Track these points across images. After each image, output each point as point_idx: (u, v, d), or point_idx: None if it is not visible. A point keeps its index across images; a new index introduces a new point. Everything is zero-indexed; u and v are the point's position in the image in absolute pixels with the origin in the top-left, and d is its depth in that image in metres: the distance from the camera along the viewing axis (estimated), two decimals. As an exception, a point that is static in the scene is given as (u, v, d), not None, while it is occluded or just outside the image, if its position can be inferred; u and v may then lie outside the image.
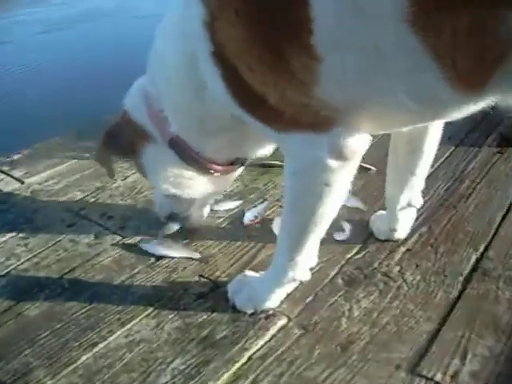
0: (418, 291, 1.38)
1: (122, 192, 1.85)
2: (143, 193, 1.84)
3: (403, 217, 1.49)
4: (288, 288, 1.30)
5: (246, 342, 1.24)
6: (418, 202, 1.45)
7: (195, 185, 1.38)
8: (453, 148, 2.06)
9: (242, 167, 1.45)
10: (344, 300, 1.36)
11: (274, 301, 1.31)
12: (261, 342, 1.24)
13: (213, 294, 1.39)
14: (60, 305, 1.37)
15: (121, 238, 1.61)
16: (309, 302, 1.35)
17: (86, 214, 1.73)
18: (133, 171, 1.91)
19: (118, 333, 1.28)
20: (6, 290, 1.43)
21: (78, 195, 1.83)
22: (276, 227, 1.58)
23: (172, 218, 1.52)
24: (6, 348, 1.25)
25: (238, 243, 1.57)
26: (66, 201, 1.80)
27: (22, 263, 1.53)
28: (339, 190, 1.08)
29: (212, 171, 1.33)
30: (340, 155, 1.02)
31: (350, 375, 1.16)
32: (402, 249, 1.53)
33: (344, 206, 1.22)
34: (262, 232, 1.61)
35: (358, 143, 1.03)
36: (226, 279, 1.43)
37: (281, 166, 1.75)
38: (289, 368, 1.18)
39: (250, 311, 1.32)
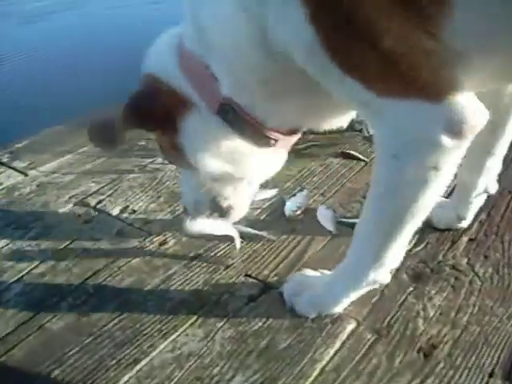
0: (493, 285, 1.21)
1: (142, 183, 1.63)
2: (165, 183, 1.62)
3: (475, 204, 1.30)
4: (362, 292, 1.09)
5: (314, 352, 1.06)
6: (494, 187, 1.27)
7: (247, 161, 1.05)
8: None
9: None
10: (415, 298, 1.18)
11: (343, 305, 1.12)
12: (331, 351, 1.06)
13: (265, 297, 1.19)
14: (87, 315, 1.16)
15: (147, 234, 1.39)
16: (375, 301, 1.17)
17: (105, 209, 1.51)
18: (150, 160, 1.70)
19: (162, 346, 1.09)
20: (22, 298, 1.21)
21: (93, 187, 1.61)
22: (322, 218, 1.39)
23: (213, 207, 1.18)
24: (30, 368, 1.04)
25: (283, 237, 1.37)
26: (79, 194, 1.57)
27: (35, 266, 1.30)
28: (448, 175, 0.86)
29: (273, 141, 1.02)
30: (457, 131, 0.79)
31: (440, 386, 0.97)
32: (465, 238, 1.35)
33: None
34: (307, 224, 1.42)
35: (479, 116, 0.81)
36: (276, 279, 1.24)
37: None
38: (370, 381, 0.99)
39: (312, 316, 1.12)
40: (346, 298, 1.10)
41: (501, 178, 1.48)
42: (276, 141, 1.02)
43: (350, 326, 1.11)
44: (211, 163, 1.04)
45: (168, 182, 1.62)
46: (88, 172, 1.70)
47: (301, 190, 1.54)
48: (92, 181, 1.65)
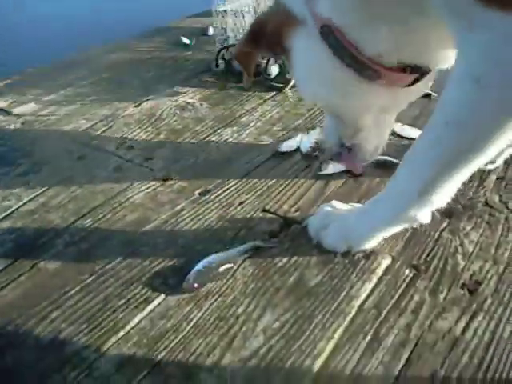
0: (530, 222, 1.06)
1: (139, 119, 1.44)
2: (165, 120, 1.44)
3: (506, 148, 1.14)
4: (398, 229, 0.93)
5: (350, 288, 0.90)
6: None
7: (353, 92, 0.86)
8: None
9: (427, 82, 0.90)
10: (450, 234, 1.03)
11: (376, 240, 0.96)
12: (369, 287, 0.90)
13: (286, 232, 1.02)
14: (87, 253, 0.98)
15: (149, 170, 1.21)
16: (409, 237, 1.01)
17: (100, 145, 1.31)
18: (147, 97, 1.51)
19: (175, 285, 0.90)
20: (10, 236, 1.03)
21: (84, 124, 1.40)
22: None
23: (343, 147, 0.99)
24: (24, 310, 0.85)
25: (302, 173, 1.20)
26: (70, 131, 1.37)
27: (25, 203, 1.11)
28: None
29: (376, 75, 0.81)
30: None
31: (492, 322, 0.84)
32: (493, 177, 1.21)
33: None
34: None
35: None
36: (297, 213, 1.07)
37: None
38: (416, 318, 0.84)
39: (341, 250, 0.96)
40: (381, 232, 0.94)
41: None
42: (380, 75, 0.82)
43: (386, 262, 0.95)
44: (316, 90, 0.88)
45: (168, 119, 1.44)
46: (77, 110, 1.49)
47: (313, 128, 1.36)
48: (83, 118, 1.44)
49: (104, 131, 1.37)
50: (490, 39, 0.66)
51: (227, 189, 1.15)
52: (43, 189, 1.15)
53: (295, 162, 1.24)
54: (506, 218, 1.07)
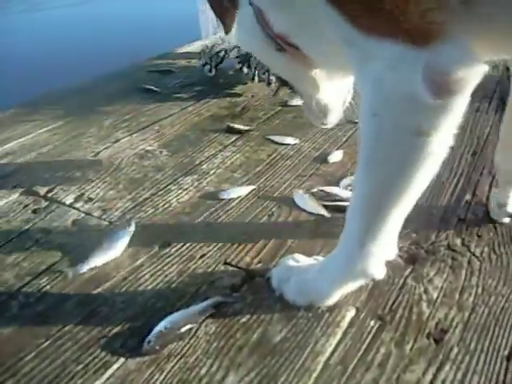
0: (493, 265, 1.09)
1: (97, 170, 1.43)
2: (123, 170, 1.43)
3: None
4: (355, 284, 0.94)
5: (315, 343, 0.90)
6: None
7: (269, 57, 0.97)
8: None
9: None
10: (414, 281, 1.05)
11: (335, 296, 0.96)
12: (333, 342, 0.90)
13: (249, 286, 1.02)
14: (43, 316, 0.95)
15: (108, 223, 1.20)
16: (372, 287, 1.02)
17: (57, 197, 1.30)
18: (103, 147, 1.51)
19: (136, 347, 0.89)
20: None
21: (41, 175, 1.39)
22: (302, 203, 1.25)
23: None
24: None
25: (262, 221, 1.21)
26: (24, 182, 1.36)
27: (-23, 263, 1.08)
28: (437, 142, 0.71)
29: (281, 47, 0.91)
30: (439, 83, 0.66)
31: (459, 373, 0.85)
32: (454, 219, 1.24)
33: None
34: (284, 208, 1.26)
35: (469, 70, 0.66)
36: (259, 266, 1.07)
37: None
38: (382, 372, 0.85)
39: (303, 304, 0.97)
40: (339, 288, 0.95)
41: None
42: (283, 49, 0.89)
43: (350, 314, 0.96)
44: (252, 51, 1.05)
45: (126, 169, 1.43)
46: (34, 160, 1.47)
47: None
48: (39, 169, 1.42)
49: (61, 183, 1.35)
50: (377, 69, 0.69)
51: (187, 241, 1.14)
52: (-2, 247, 1.12)
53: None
54: (469, 262, 1.10)
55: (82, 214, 1.23)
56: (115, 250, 1.07)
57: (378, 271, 0.90)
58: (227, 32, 1.00)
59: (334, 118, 1.08)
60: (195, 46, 2.58)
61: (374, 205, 0.81)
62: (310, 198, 1.27)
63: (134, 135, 1.63)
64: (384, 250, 0.87)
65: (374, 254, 0.87)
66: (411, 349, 0.89)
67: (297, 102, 1.82)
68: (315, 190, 1.32)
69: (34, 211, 1.24)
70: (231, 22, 0.97)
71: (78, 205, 1.26)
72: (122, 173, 1.41)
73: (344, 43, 0.72)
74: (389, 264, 1.00)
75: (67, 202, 1.27)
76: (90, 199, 1.28)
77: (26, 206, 1.26)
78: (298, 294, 0.97)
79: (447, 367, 0.86)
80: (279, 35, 0.87)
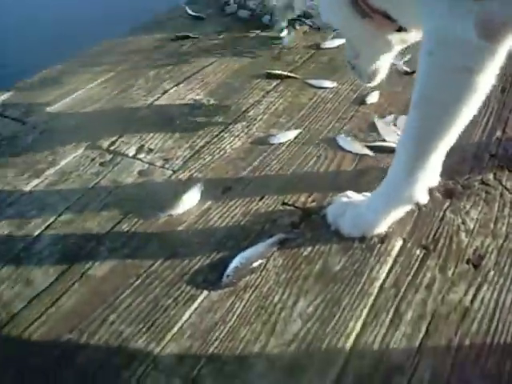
0: (523, 196, 1.21)
1: (154, 121, 1.55)
2: (177, 120, 1.55)
3: None
4: (402, 211, 1.08)
5: (370, 271, 1.05)
6: None
7: (352, 25, 1.09)
8: None
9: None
10: (452, 213, 1.18)
11: (384, 225, 1.10)
12: (386, 269, 1.05)
13: (307, 223, 1.17)
14: (129, 258, 1.10)
15: (171, 172, 1.33)
16: (416, 219, 1.16)
17: (120, 150, 1.43)
18: (153, 98, 1.62)
19: (215, 281, 1.04)
20: (56, 248, 1.14)
21: (101, 129, 1.52)
22: (346, 144, 1.37)
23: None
24: (84, 316, 0.98)
25: (311, 163, 1.34)
26: (87, 137, 1.48)
27: (60, 214, 1.23)
28: (482, 80, 0.82)
29: (366, 15, 1.03)
30: (490, 30, 0.76)
31: (495, 293, 1.00)
32: (486, 155, 1.35)
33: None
34: (330, 150, 1.38)
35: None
36: (314, 204, 1.21)
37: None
38: (429, 293, 1.00)
39: (356, 236, 1.11)
40: (386, 216, 1.08)
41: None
42: (371, 17, 1.01)
43: (398, 244, 1.10)
44: (331, 18, 1.16)
45: (180, 118, 1.55)
46: (92, 114, 1.59)
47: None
48: (98, 123, 1.55)
49: (121, 135, 1.48)
50: (435, 15, 0.81)
51: (246, 185, 1.28)
52: (75, 197, 1.27)
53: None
54: (501, 194, 1.22)
55: (146, 165, 1.36)
56: (188, 204, 1.21)
57: (423, 197, 1.03)
58: None
59: (379, 79, 1.23)
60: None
61: (424, 136, 0.94)
62: (353, 140, 1.38)
63: (181, 85, 1.73)
64: (429, 177, 1.00)
65: (421, 181, 0.99)
66: (453, 273, 1.03)
67: (330, 44, 1.90)
68: (357, 131, 1.43)
69: (101, 164, 1.37)
70: None
71: (140, 156, 1.39)
72: (176, 123, 1.52)
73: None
74: (430, 198, 1.13)
75: (130, 154, 1.40)
76: (151, 150, 1.41)
77: (93, 159, 1.39)
78: (352, 227, 1.11)
79: (485, 288, 1.01)
80: (368, 3, 0.98)
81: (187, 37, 2.07)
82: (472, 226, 1.14)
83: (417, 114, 0.93)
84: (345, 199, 1.16)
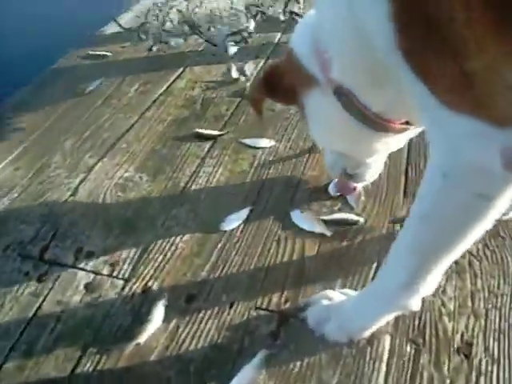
0: (490, 262, 1.24)
1: (84, 213, 1.39)
2: (110, 208, 1.40)
3: None
4: (393, 315, 1.03)
5: (369, 382, 0.99)
6: None
7: (362, 141, 1.06)
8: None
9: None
10: (431, 295, 1.14)
11: (373, 328, 1.05)
12: (382, 375, 1.02)
13: (286, 330, 1.09)
14: None
15: (123, 281, 1.20)
16: (396, 307, 1.11)
17: (55, 258, 1.26)
18: (79, 178, 1.46)
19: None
20: None
21: (27, 231, 1.33)
22: (302, 221, 1.30)
23: (346, 175, 1.24)
24: None
25: (272, 250, 1.26)
26: (13, 242, 1.30)
27: (7, 358, 1.06)
28: (498, 208, 0.78)
29: (380, 128, 0.98)
30: None
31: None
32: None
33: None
34: (289, 231, 1.31)
35: None
36: (288, 305, 1.13)
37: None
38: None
39: (344, 341, 1.06)
40: (377, 321, 1.03)
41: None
42: (384, 127, 0.98)
43: (387, 342, 1.06)
44: (328, 142, 1.19)
45: (114, 207, 1.41)
46: (8, 210, 1.40)
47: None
48: (21, 222, 1.36)
49: (52, 237, 1.31)
50: (455, 136, 0.74)
51: (210, 289, 1.18)
52: (17, 332, 1.10)
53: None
54: (470, 263, 1.22)
55: (91, 275, 1.21)
56: (153, 326, 1.08)
57: (418, 305, 0.97)
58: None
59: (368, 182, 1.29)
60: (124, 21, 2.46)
61: (427, 253, 0.88)
62: (307, 215, 1.32)
63: (105, 159, 1.57)
64: (429, 288, 0.94)
65: (420, 292, 0.94)
66: (448, 369, 1.01)
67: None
68: (308, 200, 1.37)
69: (39, 279, 1.20)
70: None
71: (81, 263, 1.24)
72: (112, 213, 1.37)
73: (424, 110, 0.77)
74: None
75: (69, 262, 1.24)
76: (91, 253, 1.26)
77: (27, 274, 1.22)
78: (339, 333, 1.04)
79: (482, 381, 0.99)
80: (378, 114, 0.94)
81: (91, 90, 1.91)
82: (452, 308, 1.13)
83: (419, 230, 0.87)
84: (325, 302, 1.09)
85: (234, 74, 1.93)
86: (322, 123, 1.07)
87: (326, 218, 1.33)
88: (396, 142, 1.08)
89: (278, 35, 2.33)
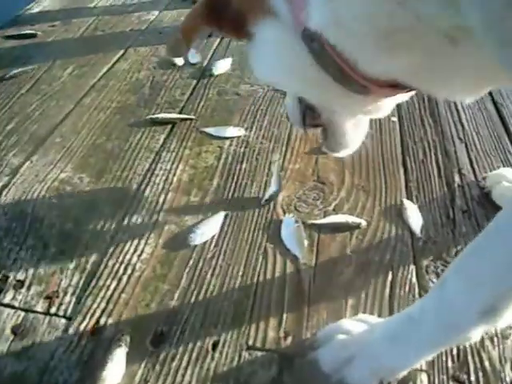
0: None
1: (8, 227, 1.07)
2: (44, 219, 1.08)
3: None
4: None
5: None
6: None
7: (330, 98, 0.77)
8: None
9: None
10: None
11: (413, 366, 0.79)
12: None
13: (291, 375, 0.81)
14: None
15: (66, 320, 0.89)
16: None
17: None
18: (2, 182, 1.13)
19: None
20: None
21: None
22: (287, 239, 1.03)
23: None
24: None
25: (258, 267, 0.98)
26: None
27: None
28: None
29: (363, 91, 0.70)
30: None
31: None
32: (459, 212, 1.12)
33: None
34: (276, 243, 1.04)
35: None
36: (289, 341, 0.87)
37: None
38: None
39: (371, 384, 0.79)
40: (422, 357, 0.77)
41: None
42: (368, 90, 0.70)
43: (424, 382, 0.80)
44: (284, 83, 0.83)
45: (47, 217, 1.09)
46: None
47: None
48: None
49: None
50: None
51: (184, 322, 0.89)
52: None
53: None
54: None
55: (21, 313, 0.89)
56: (111, 378, 0.78)
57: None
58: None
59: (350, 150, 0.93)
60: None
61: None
62: (298, 232, 1.05)
63: (34, 158, 1.24)
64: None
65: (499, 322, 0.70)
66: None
67: (218, 69, 1.55)
68: (295, 200, 1.11)
69: None
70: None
71: (7, 297, 0.92)
72: (45, 226, 1.06)
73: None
74: None
75: (-12, 291, 0.92)
76: (20, 282, 0.95)
77: None
78: (369, 375, 0.79)
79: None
80: (367, 76, 0.65)
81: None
82: (493, 329, 0.87)
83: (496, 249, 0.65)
84: (342, 336, 0.83)
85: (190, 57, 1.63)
86: (274, 64, 0.78)
87: (319, 222, 1.07)
88: (376, 107, 0.80)
89: None
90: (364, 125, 0.90)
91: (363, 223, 1.07)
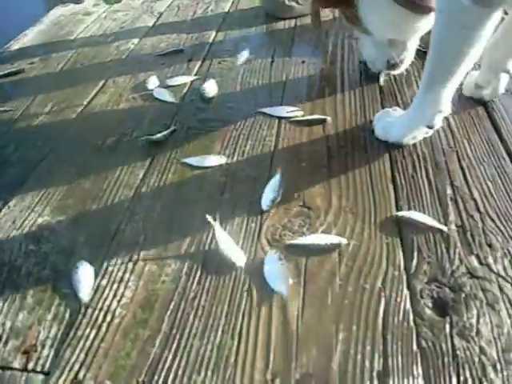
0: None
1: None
2: (21, 269, 1.05)
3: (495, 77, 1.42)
4: (422, 132, 1.28)
5: None
6: None
7: (408, 27, 1.32)
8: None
9: None
10: (462, 339, 0.90)
11: (406, 138, 1.29)
12: None
13: None
14: None
15: (43, 376, 0.85)
16: (425, 364, 0.82)
17: None
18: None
19: None
20: None
21: None
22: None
23: (389, 66, 1.48)
24: None
25: (243, 305, 0.94)
26: None
27: None
28: (477, 35, 1.02)
29: (427, 11, 1.21)
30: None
31: None
32: (454, 233, 1.07)
33: None
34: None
35: None
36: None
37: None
38: None
39: (383, 139, 1.31)
40: (409, 132, 1.27)
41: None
42: (430, 9, 1.18)
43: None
44: (382, 30, 1.35)
45: (24, 266, 1.05)
46: None
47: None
48: None
49: None
50: None
51: (167, 375, 0.85)
52: None
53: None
54: (500, 288, 0.94)
55: (-6, 372, 0.86)
56: None
57: (439, 122, 1.24)
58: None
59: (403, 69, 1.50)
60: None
61: (437, 71, 1.15)
62: (282, 270, 1.00)
63: (12, 203, 1.21)
64: (442, 103, 1.19)
65: (440, 103, 1.18)
66: None
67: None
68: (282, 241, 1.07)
69: None
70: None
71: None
72: (22, 274, 1.03)
73: None
74: (423, 321, 0.82)
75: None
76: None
77: None
78: (383, 131, 1.32)
79: None
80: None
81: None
82: (495, 355, 0.84)
83: (432, 55, 1.12)
84: (390, 110, 1.36)
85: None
86: (375, 15, 1.30)
87: (294, 242, 1.03)
88: (427, 23, 1.25)
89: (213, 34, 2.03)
90: (416, 43, 1.42)
91: (343, 242, 1.02)
